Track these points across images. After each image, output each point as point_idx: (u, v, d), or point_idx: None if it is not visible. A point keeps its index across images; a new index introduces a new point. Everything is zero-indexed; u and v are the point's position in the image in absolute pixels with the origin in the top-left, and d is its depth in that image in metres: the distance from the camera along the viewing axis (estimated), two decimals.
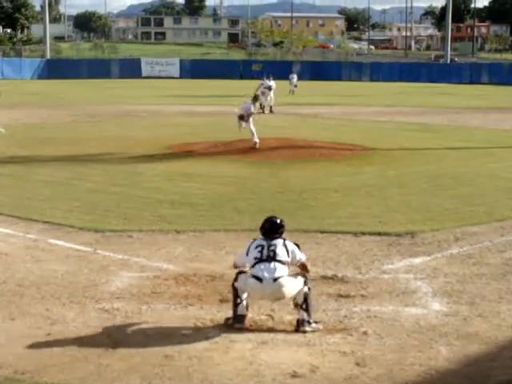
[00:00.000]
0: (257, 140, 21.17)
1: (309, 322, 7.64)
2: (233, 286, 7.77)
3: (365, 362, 6.85)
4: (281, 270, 7.54)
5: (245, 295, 7.68)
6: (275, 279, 7.47)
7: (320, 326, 7.69)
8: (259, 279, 7.48)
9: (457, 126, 30.97)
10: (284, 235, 7.89)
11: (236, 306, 7.70)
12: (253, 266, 7.63)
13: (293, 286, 7.61)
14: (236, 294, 7.71)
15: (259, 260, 7.59)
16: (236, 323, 7.66)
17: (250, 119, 21.44)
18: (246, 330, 7.58)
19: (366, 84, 71.27)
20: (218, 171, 17.95)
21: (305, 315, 7.66)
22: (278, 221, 7.96)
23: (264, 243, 7.71)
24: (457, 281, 9.37)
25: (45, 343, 7.23)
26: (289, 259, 7.67)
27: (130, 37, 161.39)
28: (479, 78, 75.43)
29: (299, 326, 7.65)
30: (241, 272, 7.78)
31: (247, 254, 7.77)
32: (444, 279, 9.42)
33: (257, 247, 7.69)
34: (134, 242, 11.15)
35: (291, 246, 7.79)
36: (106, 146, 22.16)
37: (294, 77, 51.46)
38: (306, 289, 7.70)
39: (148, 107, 39.07)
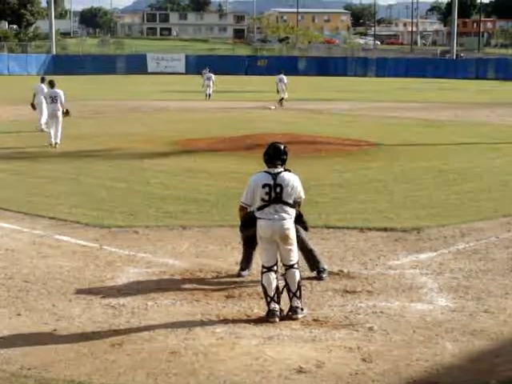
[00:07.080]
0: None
1: (302, 309, 7.83)
2: (262, 284, 7.83)
3: (371, 357, 6.84)
4: (287, 211, 7.69)
5: (272, 292, 7.75)
6: (283, 219, 7.64)
7: (305, 312, 7.87)
8: (269, 219, 7.65)
9: (463, 122, 30.91)
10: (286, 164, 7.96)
11: (268, 303, 7.80)
12: (261, 209, 7.69)
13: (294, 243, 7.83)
14: (265, 292, 7.81)
15: (268, 203, 7.65)
16: (269, 318, 7.71)
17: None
18: (252, 326, 7.59)
19: (371, 79, 71.24)
20: (224, 167, 17.93)
21: (299, 302, 7.84)
22: (282, 147, 8.02)
23: (271, 182, 7.69)
24: (463, 276, 9.35)
25: (51, 339, 7.23)
26: (292, 199, 7.74)
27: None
28: (485, 73, 75.36)
29: (293, 313, 7.79)
30: (266, 270, 7.79)
31: (253, 193, 7.77)
32: (450, 275, 9.41)
33: (264, 187, 7.68)
34: (139, 238, 11.15)
35: (296, 181, 7.84)
36: (111, 142, 22.19)
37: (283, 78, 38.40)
38: (298, 276, 7.86)
39: (154, 103, 39.12)
